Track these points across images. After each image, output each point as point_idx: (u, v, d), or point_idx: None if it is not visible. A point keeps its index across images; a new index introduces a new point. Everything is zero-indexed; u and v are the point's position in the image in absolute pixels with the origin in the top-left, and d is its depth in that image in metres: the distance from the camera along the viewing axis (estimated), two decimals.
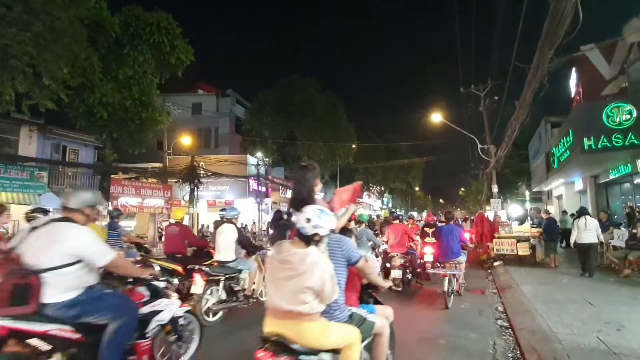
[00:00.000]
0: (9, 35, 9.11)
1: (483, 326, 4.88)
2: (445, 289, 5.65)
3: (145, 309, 2.84)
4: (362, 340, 2.21)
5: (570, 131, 10.59)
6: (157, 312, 2.94)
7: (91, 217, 2.62)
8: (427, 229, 7.57)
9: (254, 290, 5.49)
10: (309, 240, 2.05)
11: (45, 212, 4.52)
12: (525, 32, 6.81)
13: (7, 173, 13.46)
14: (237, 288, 5.23)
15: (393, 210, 29.60)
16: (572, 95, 16.17)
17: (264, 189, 23.46)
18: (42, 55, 9.84)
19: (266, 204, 23.28)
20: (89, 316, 2.43)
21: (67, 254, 2.32)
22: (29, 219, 4.23)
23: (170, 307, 3.07)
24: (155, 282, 3.06)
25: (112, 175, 17.21)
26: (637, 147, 8.83)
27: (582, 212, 8.14)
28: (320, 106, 21.94)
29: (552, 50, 5.41)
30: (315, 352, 2.03)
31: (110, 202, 15.86)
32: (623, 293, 6.03)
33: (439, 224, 7.93)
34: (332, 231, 2.20)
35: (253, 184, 22.12)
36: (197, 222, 18.03)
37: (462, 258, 6.25)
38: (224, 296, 5.06)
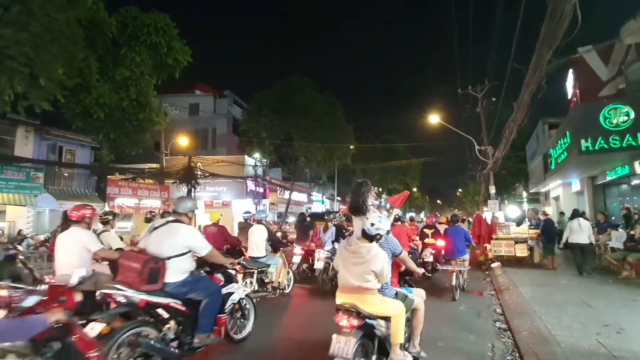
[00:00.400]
0: (7, 36, 9.04)
1: (482, 328, 4.86)
2: (453, 283, 6.32)
3: (223, 290, 3.64)
4: (405, 313, 2.94)
5: (567, 132, 10.61)
6: (230, 294, 3.79)
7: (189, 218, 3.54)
8: (426, 230, 7.91)
9: (279, 282, 6.31)
10: (372, 238, 2.81)
11: (114, 215, 5.56)
12: (524, 33, 6.82)
13: (3, 174, 13.37)
14: (266, 280, 6.12)
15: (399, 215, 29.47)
16: (569, 97, 16.23)
17: (261, 190, 23.41)
18: (39, 56, 9.78)
19: (264, 205, 23.22)
20: (192, 293, 3.24)
21: (182, 246, 3.21)
22: (103, 221, 5.21)
23: (238, 290, 3.96)
24: (228, 270, 3.93)
25: (108, 176, 17.12)
26: (635, 148, 8.85)
27: (575, 214, 8.58)
28: (318, 107, 21.89)
29: (551, 52, 5.41)
30: (374, 317, 2.79)
31: (107, 203, 15.78)
32: (622, 295, 6.02)
33: (438, 225, 8.10)
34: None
35: (251, 185, 22.06)
36: (195, 222, 17.95)
37: (467, 256, 6.88)
38: (256, 287, 5.89)
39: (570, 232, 8.22)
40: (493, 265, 9.69)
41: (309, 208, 29.38)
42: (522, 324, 4.69)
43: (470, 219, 16.34)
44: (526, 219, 11.95)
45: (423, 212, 57.36)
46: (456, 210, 42.34)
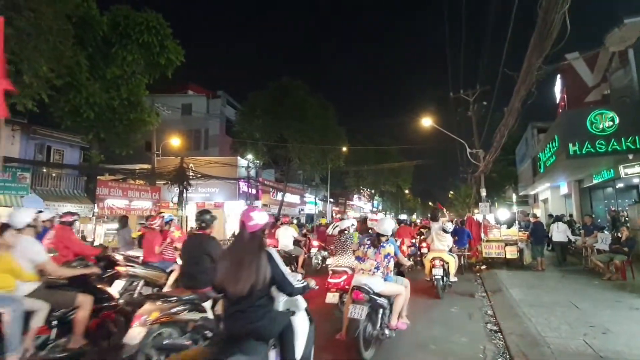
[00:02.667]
0: None
1: (473, 330, 4.94)
2: (461, 262, 8.66)
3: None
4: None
5: (556, 137, 10.85)
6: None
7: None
8: (422, 230, 9.55)
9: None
10: (445, 231, 7.31)
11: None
12: (515, 38, 6.96)
13: None
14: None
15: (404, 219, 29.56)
16: (557, 102, 16.58)
17: (254, 191, 23.31)
18: (24, 52, 9.59)
19: (256, 207, 23.11)
20: None
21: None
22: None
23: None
24: None
25: (98, 177, 16.83)
26: (619, 153, 9.11)
27: (556, 218, 10.73)
28: (310, 109, 21.92)
29: (540, 60, 5.53)
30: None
31: (96, 204, 15.53)
32: (607, 296, 6.18)
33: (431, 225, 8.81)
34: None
35: (243, 186, 21.95)
36: (187, 224, 17.77)
37: (466, 247, 9.85)
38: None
39: (552, 233, 10.27)
40: (476, 267, 9.85)
41: (302, 210, 29.36)
42: (513, 326, 4.78)
43: (462, 220, 16.50)
44: (516, 221, 12.15)
45: (415, 213, 57.77)
46: (447, 211, 42.61)
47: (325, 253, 9.99)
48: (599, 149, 9.22)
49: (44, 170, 16.11)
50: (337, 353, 3.92)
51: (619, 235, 8.05)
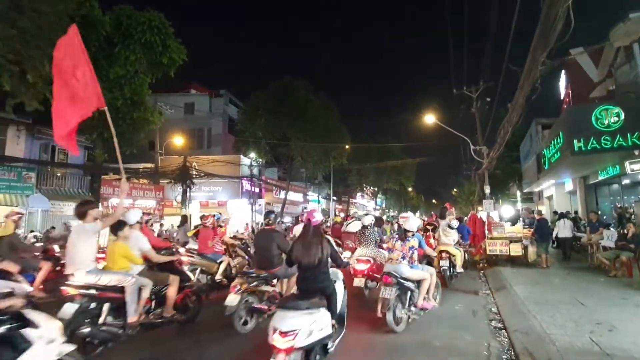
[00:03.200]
0: None
1: (477, 328, 4.92)
2: (465, 257, 8.93)
3: None
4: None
5: (560, 133, 10.75)
6: None
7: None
8: (428, 227, 9.25)
9: None
10: (452, 227, 7.86)
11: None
12: (518, 33, 6.89)
13: None
14: None
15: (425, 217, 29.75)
16: (562, 97, 16.43)
17: (257, 190, 23.36)
18: (27, 52, 9.64)
19: (259, 205, 23.16)
20: None
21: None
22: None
23: None
24: None
25: (102, 176, 16.94)
26: (625, 148, 9.01)
27: (561, 215, 10.83)
28: (313, 107, 21.90)
29: (544, 54, 5.47)
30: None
31: (100, 204, 15.63)
32: (613, 293, 6.12)
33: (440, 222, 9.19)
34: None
35: (246, 185, 22.00)
36: (191, 223, 17.86)
37: (467, 242, 9.78)
38: None
39: (558, 229, 10.45)
40: (479, 265, 9.81)
41: (305, 208, 29.38)
42: (517, 323, 4.75)
43: (466, 218, 16.45)
44: (520, 219, 12.08)
45: (418, 211, 57.62)
46: (452, 209, 42.54)
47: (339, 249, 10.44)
48: (605, 145, 9.13)
49: (49, 169, 16.21)
50: (374, 326, 4.68)
51: (625, 231, 7.96)
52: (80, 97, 4.34)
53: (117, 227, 4.35)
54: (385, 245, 6.77)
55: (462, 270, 7.94)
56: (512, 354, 3.97)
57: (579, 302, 5.57)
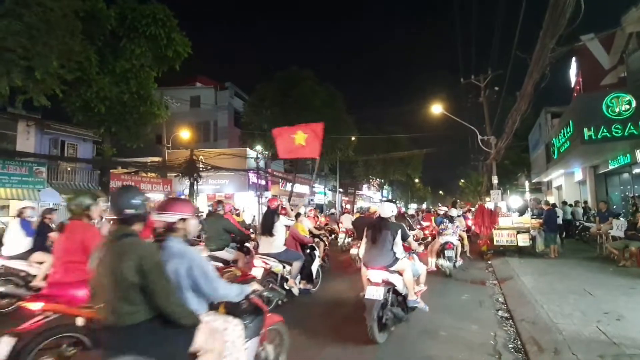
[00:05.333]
0: (2, 28, 9.00)
1: (484, 317, 4.93)
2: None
3: None
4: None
5: (570, 122, 10.57)
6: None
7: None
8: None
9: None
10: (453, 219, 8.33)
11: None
12: (527, 20, 6.75)
13: (6, 169, 13.42)
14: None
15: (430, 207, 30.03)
16: (572, 85, 16.09)
17: (263, 182, 23.45)
18: (35, 48, 9.73)
19: (266, 197, 23.28)
20: None
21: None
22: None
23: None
24: None
25: (111, 170, 17.15)
26: (636, 137, 8.84)
27: (553, 206, 10.95)
28: (319, 98, 21.74)
29: (554, 41, 5.35)
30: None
31: (110, 197, 15.85)
32: (622, 283, 6.07)
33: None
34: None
35: (253, 177, 22.09)
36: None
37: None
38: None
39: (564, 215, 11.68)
40: (487, 256, 9.79)
41: (311, 200, 29.45)
42: (524, 313, 4.76)
43: (473, 209, 16.37)
44: (528, 209, 11.97)
45: (425, 203, 57.39)
46: (459, 200, 42.38)
47: (349, 239, 11.46)
48: (615, 133, 8.96)
49: (59, 164, 16.47)
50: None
51: (635, 221, 7.85)
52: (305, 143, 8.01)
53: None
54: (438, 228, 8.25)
55: (461, 261, 8.19)
56: (519, 343, 3.98)
57: (587, 292, 5.54)
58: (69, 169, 16.71)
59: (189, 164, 18.35)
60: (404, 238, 4.47)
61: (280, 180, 26.48)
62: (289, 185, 25.45)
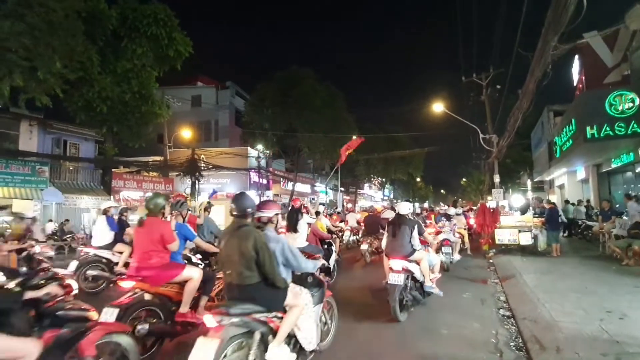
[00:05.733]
0: (5, 29, 9.03)
1: (485, 316, 4.92)
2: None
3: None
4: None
5: (573, 120, 10.52)
6: None
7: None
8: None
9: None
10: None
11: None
12: (529, 18, 6.72)
13: (9, 168, 13.48)
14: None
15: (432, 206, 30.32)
16: (575, 84, 16.00)
17: (265, 182, 23.47)
18: (37, 49, 9.77)
19: (267, 197, 23.31)
20: None
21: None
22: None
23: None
24: None
25: (113, 169, 17.21)
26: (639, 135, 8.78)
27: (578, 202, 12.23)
28: (319, 98, 21.73)
29: (556, 38, 5.32)
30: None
31: (112, 196, 15.91)
32: (625, 282, 6.04)
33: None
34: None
35: (254, 177, 22.12)
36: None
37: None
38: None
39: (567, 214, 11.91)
40: (490, 253, 9.78)
41: (313, 199, 29.46)
42: (526, 311, 4.74)
43: (474, 207, 16.35)
44: (530, 208, 11.94)
45: (427, 202, 57.28)
46: (460, 199, 42.35)
47: (355, 237, 12.19)
48: (618, 131, 8.91)
49: (61, 163, 16.52)
50: (379, 315, 4.90)
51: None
52: None
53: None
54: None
55: (458, 257, 8.60)
56: (520, 341, 3.97)
57: (590, 291, 5.52)
58: (71, 168, 16.76)
59: (191, 163, 18.40)
60: (420, 233, 5.11)
61: (281, 179, 26.50)
62: (290, 184, 25.46)
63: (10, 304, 2.17)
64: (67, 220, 13.69)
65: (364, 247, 9.17)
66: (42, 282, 2.64)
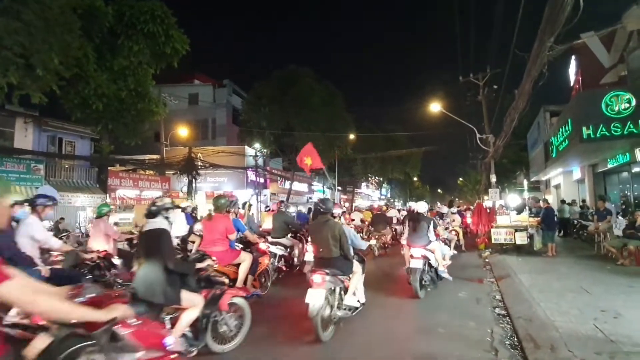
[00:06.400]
0: (0, 26, 8.94)
1: (481, 315, 4.93)
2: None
3: None
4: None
5: (569, 120, 10.55)
6: None
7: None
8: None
9: None
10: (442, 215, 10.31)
11: None
12: (526, 18, 6.72)
13: (4, 166, 13.36)
14: None
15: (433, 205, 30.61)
16: (572, 84, 16.07)
17: (262, 180, 23.42)
18: (34, 46, 9.67)
19: (264, 195, 23.26)
20: None
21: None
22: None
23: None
24: None
25: (109, 167, 17.11)
26: (636, 136, 8.82)
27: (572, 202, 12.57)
28: (317, 96, 21.68)
29: (552, 38, 5.33)
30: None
31: (108, 195, 15.83)
32: (620, 281, 6.08)
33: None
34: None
35: (251, 175, 22.06)
36: (197, 213, 18.06)
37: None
38: None
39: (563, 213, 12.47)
40: (485, 253, 9.82)
41: (310, 198, 29.45)
42: (521, 310, 4.75)
43: (471, 207, 16.40)
44: (526, 207, 11.99)
45: (424, 201, 57.32)
46: (457, 199, 42.48)
47: (359, 234, 12.69)
48: (614, 132, 8.94)
49: (57, 161, 16.40)
50: (373, 314, 4.96)
51: (634, 220, 7.85)
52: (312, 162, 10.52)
53: None
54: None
55: (453, 251, 8.87)
56: (515, 340, 3.98)
57: (585, 290, 5.54)
58: (66, 166, 16.65)
59: (188, 161, 18.33)
60: (435, 227, 6.37)
61: (278, 178, 26.46)
62: (287, 183, 25.43)
63: (189, 270, 3.28)
64: (62, 218, 13.59)
65: (373, 242, 9.67)
66: (201, 256, 3.73)
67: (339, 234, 4.20)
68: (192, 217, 8.87)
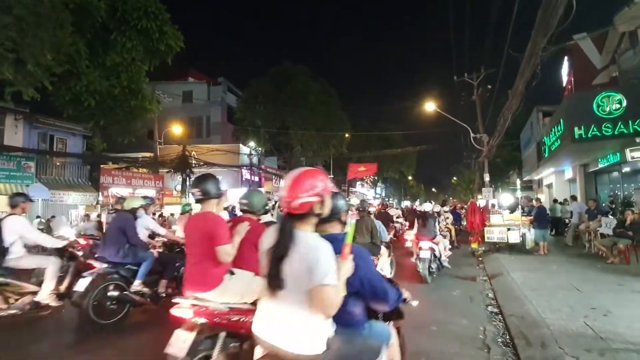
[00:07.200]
0: None
1: (474, 312, 4.98)
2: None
3: None
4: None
5: (561, 120, 10.67)
6: None
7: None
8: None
9: None
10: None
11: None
12: (519, 19, 6.78)
13: None
14: None
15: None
16: (564, 84, 16.26)
17: (257, 179, 23.35)
18: (25, 41, 9.52)
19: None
20: None
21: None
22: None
23: None
24: None
25: (101, 165, 16.92)
26: (626, 136, 8.96)
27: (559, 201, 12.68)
28: (313, 95, 21.66)
29: (545, 39, 5.39)
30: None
31: (100, 192, 15.66)
32: (609, 280, 6.17)
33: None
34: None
35: (246, 174, 21.99)
36: (191, 211, 17.96)
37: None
38: None
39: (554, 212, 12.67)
40: (479, 251, 9.91)
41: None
42: (513, 308, 4.81)
43: (465, 206, 16.53)
44: (519, 206, 12.12)
45: (418, 200, 57.72)
46: (451, 198, 42.77)
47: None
48: (605, 132, 9.07)
49: (48, 159, 16.18)
50: None
51: (624, 219, 7.97)
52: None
53: None
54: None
55: (449, 252, 9.16)
56: (507, 337, 4.03)
57: (575, 288, 5.62)
58: (58, 163, 16.43)
59: (181, 159, 18.20)
60: (439, 223, 7.65)
61: (273, 176, 26.40)
62: (282, 181, 25.40)
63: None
64: (53, 216, 13.43)
65: None
66: None
67: (372, 226, 5.59)
68: (233, 215, 9.27)
